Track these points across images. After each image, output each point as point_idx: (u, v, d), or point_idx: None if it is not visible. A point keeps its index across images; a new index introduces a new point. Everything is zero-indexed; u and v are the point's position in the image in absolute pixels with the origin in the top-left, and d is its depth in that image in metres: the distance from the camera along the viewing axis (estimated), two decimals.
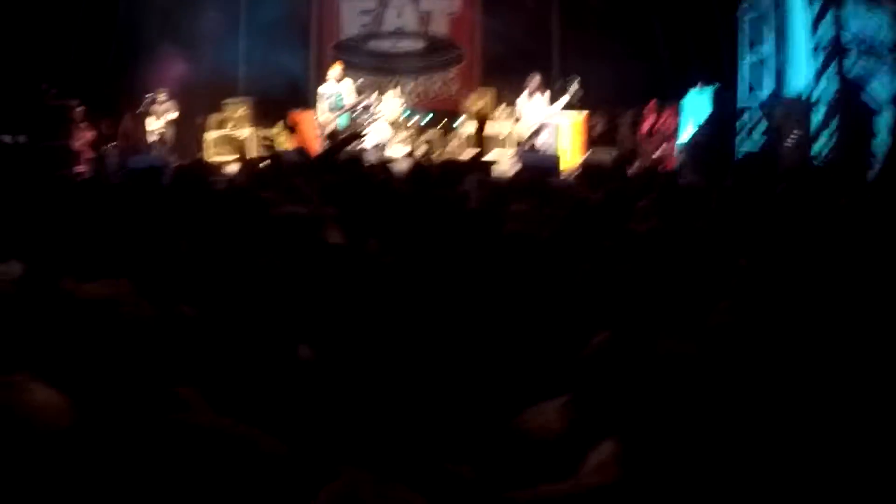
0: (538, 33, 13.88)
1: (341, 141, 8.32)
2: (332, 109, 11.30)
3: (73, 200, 5.29)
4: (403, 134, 12.37)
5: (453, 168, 5.14)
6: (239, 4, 14.59)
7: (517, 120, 12.71)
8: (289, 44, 14.14)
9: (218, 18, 13.83)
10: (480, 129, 11.88)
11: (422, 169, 4.67)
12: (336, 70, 11.53)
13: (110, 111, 13.17)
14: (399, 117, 12.30)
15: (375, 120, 11.73)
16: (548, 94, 11.40)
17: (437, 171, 5.58)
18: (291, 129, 4.65)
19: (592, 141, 12.45)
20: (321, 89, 11.55)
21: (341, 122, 11.32)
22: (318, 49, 14.88)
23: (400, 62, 14.46)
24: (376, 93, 12.25)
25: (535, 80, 11.31)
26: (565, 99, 11.21)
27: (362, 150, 10.54)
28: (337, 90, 11.36)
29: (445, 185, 4.91)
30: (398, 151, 11.80)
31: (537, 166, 9.44)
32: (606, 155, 10.63)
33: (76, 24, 12.61)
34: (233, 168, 10.01)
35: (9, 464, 1.36)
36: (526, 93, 11.39)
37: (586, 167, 9.53)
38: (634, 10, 13.33)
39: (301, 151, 4.90)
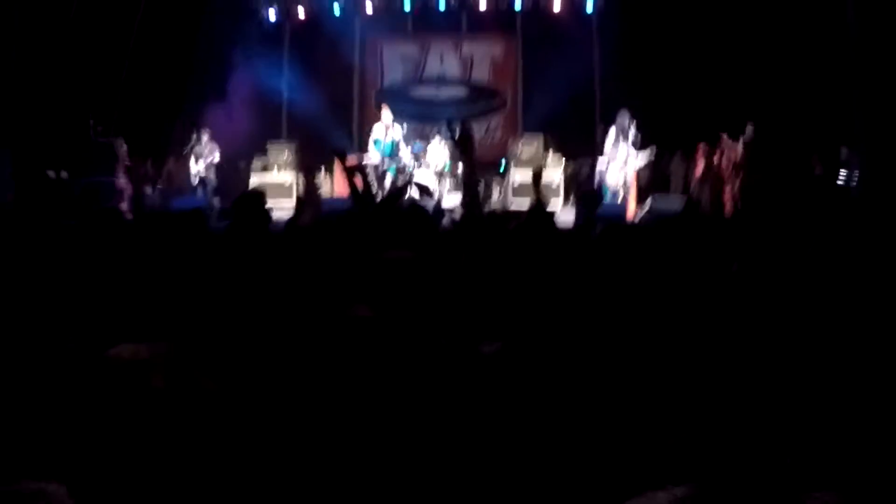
0: (580, 76, 13.70)
1: (401, 188, 7.96)
2: (384, 155, 11.11)
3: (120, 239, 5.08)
4: (448, 183, 12.13)
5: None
6: (283, 47, 14.63)
7: (566, 167, 12.51)
8: (332, 88, 14.11)
9: (263, 62, 13.89)
10: (537, 178, 11.27)
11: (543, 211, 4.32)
12: (388, 115, 11.37)
13: (155, 151, 13.14)
14: (444, 166, 12.09)
15: (420, 169, 11.60)
16: (631, 135, 10.69)
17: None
18: (355, 169, 4.31)
19: (640, 185, 12.09)
20: (375, 133, 11.38)
21: (391, 168, 11.12)
22: (361, 94, 14.82)
23: (443, 109, 14.31)
24: (425, 142, 12.13)
25: (626, 117, 10.66)
26: (642, 155, 10.71)
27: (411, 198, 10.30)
28: (391, 136, 11.18)
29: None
30: (450, 201, 11.62)
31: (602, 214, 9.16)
32: (671, 201, 10.30)
33: (125, 64, 12.66)
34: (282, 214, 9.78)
35: None
36: (614, 131, 10.76)
37: (656, 215, 9.25)
38: (676, 54, 13.20)
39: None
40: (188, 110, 13.07)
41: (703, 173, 12.21)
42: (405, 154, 11.55)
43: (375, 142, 11.42)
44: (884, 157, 9.60)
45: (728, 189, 11.68)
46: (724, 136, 11.61)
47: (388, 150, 11.25)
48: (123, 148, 11.75)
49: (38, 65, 10.89)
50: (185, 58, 13.68)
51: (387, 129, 11.32)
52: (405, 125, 12.18)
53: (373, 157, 11.29)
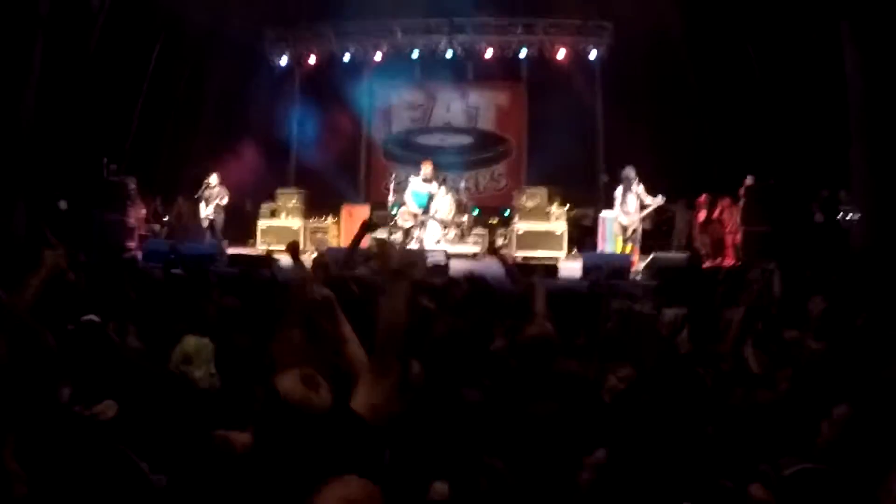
0: (584, 124, 13.93)
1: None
2: (420, 206, 11.28)
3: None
4: (453, 232, 12.19)
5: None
6: (293, 93, 14.92)
7: (570, 214, 12.66)
8: (340, 135, 14.34)
9: (273, 108, 14.18)
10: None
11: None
12: (427, 168, 11.54)
13: (164, 191, 13.39)
14: (450, 214, 12.20)
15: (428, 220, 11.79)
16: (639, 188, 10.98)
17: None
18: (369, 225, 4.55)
19: (645, 230, 12.12)
20: (412, 185, 11.52)
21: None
22: (368, 142, 15.08)
23: (448, 157, 14.52)
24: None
25: (631, 171, 10.93)
26: (655, 200, 10.92)
27: (422, 249, 10.42)
28: (428, 189, 11.34)
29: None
30: (465, 249, 11.91)
31: (607, 266, 9.33)
32: (673, 255, 10.49)
33: (137, 105, 13.01)
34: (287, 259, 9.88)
35: None
36: (622, 187, 11.07)
37: (659, 269, 9.39)
38: (682, 102, 13.42)
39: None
40: (199, 151, 13.32)
41: (703, 223, 12.42)
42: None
43: (414, 193, 11.59)
44: (880, 198, 9.73)
45: (729, 239, 11.87)
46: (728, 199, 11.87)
47: (422, 202, 11.43)
48: (133, 187, 12.08)
49: (55, 104, 11.10)
50: (196, 101, 13.97)
51: (425, 182, 11.50)
52: (409, 175, 12.34)
53: (410, 207, 11.48)
